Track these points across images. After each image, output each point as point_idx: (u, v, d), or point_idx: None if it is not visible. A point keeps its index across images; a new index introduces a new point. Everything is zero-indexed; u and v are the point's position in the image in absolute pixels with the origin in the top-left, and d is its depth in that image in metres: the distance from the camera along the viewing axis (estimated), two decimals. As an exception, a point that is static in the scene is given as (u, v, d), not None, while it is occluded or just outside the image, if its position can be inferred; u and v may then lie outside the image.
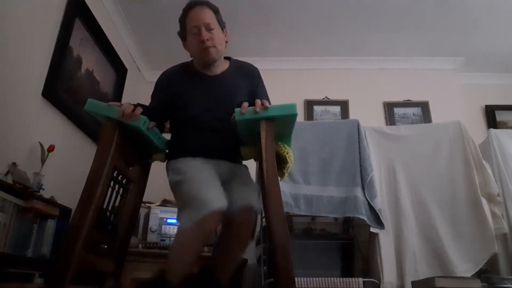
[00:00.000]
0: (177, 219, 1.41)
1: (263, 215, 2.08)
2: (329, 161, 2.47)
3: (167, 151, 1.61)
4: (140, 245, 2.35)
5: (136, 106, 1.40)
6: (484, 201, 2.34)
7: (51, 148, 2.06)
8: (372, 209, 2.32)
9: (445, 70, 3.62)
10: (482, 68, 3.70)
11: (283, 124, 1.41)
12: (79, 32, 2.52)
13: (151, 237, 2.51)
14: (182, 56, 1.69)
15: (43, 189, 1.94)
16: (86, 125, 2.58)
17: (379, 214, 2.30)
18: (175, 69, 1.64)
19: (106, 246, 1.63)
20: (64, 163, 2.31)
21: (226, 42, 1.62)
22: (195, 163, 1.42)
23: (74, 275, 1.20)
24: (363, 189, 2.36)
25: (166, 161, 1.57)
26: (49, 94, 2.19)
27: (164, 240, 2.49)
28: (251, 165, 1.67)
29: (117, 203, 1.62)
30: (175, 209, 1.55)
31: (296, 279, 1.77)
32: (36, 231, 1.74)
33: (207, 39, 1.49)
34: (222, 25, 1.59)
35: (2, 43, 1.84)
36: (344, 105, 3.55)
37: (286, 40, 3.43)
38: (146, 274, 2.11)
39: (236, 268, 1.37)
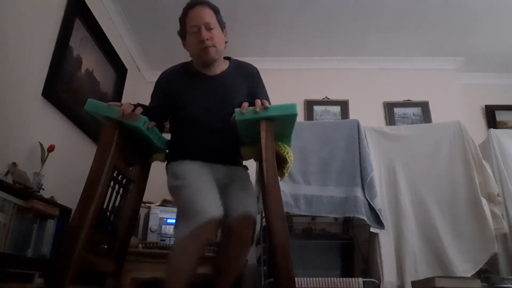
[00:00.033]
0: (174, 227, 1.41)
1: (263, 215, 2.08)
2: (329, 161, 2.47)
3: (167, 151, 1.61)
4: (140, 245, 2.34)
5: (136, 106, 1.41)
6: (484, 201, 2.34)
7: (51, 148, 2.06)
8: (372, 209, 2.32)
9: (445, 70, 3.62)
10: (482, 68, 3.70)
11: (283, 124, 1.42)
12: (79, 32, 2.52)
13: (151, 237, 2.51)
14: (182, 56, 1.69)
15: (43, 189, 1.94)
16: (86, 125, 2.58)
17: (379, 214, 2.30)
18: (175, 69, 1.64)
19: (106, 246, 1.63)
20: (64, 163, 2.31)
21: (226, 42, 1.61)
22: (193, 168, 1.42)
23: (74, 275, 1.20)
24: (363, 189, 2.36)
25: (166, 162, 1.57)
26: (49, 94, 2.19)
27: (164, 240, 2.48)
28: (251, 165, 1.67)
29: (117, 203, 1.63)
30: (175, 209, 1.55)
31: (296, 279, 1.78)
32: (36, 231, 1.73)
33: (207, 39, 1.49)
34: (222, 25, 1.59)
35: (2, 43, 1.84)
36: (344, 105, 3.55)
37: (286, 40, 3.43)
38: (146, 274, 2.13)
39: (238, 275, 1.36)
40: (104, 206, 1.49)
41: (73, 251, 1.21)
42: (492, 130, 2.73)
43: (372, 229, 2.31)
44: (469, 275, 2.18)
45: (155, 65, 3.60)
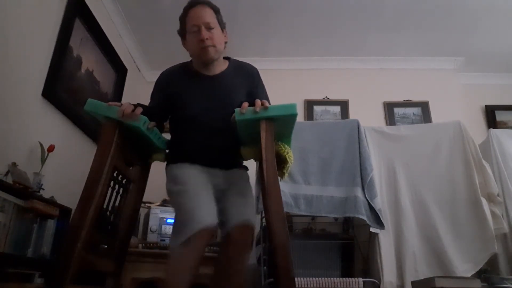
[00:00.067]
0: (172, 229, 1.41)
1: (263, 215, 2.08)
2: (329, 161, 2.47)
3: (167, 151, 1.61)
4: (140, 245, 2.34)
5: (136, 106, 1.41)
6: (484, 201, 2.34)
7: (51, 148, 2.06)
8: (372, 209, 2.32)
9: (445, 70, 3.62)
10: (482, 68, 3.70)
11: (283, 124, 1.42)
12: (79, 32, 2.52)
13: (151, 237, 2.51)
14: (182, 56, 1.69)
15: (43, 189, 1.94)
16: (86, 125, 2.58)
17: (379, 214, 2.30)
18: (174, 69, 1.64)
19: (106, 246, 1.63)
20: (64, 163, 2.31)
21: (226, 42, 1.61)
22: (192, 173, 1.42)
23: (74, 275, 1.20)
24: (363, 189, 2.36)
25: (166, 163, 1.57)
26: (49, 94, 2.19)
27: (164, 240, 2.49)
28: (251, 165, 1.67)
29: (117, 203, 1.63)
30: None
31: (296, 279, 1.78)
32: (36, 231, 1.74)
33: (207, 38, 1.49)
34: (222, 25, 1.59)
35: (2, 43, 1.84)
36: (344, 105, 3.55)
37: (286, 40, 3.43)
38: (146, 274, 2.13)
39: (240, 282, 1.36)
40: (104, 206, 1.49)
41: (73, 251, 1.21)
42: (492, 130, 2.73)
43: (372, 229, 2.31)
44: (469, 275, 2.18)
45: (155, 65, 3.60)
